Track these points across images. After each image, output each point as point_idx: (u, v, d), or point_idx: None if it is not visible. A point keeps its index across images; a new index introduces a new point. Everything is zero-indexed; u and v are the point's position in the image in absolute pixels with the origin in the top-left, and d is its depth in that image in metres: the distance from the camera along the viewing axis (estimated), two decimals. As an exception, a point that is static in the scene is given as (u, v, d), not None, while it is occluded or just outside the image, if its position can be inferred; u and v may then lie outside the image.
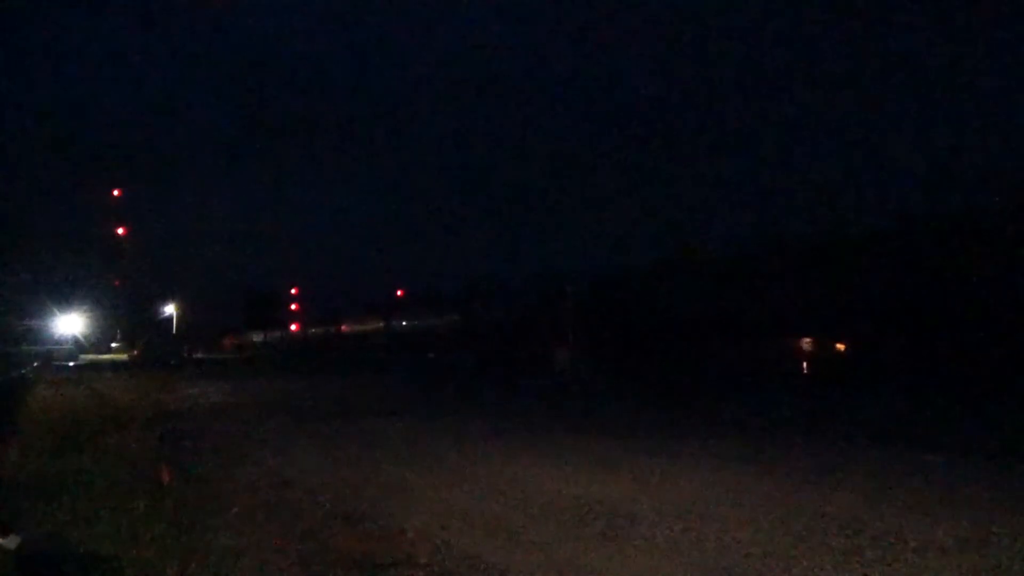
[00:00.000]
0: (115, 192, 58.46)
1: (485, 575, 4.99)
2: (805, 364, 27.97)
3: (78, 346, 51.53)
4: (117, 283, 63.29)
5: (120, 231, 59.51)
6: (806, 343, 31.86)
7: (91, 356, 51.39)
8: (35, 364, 26.59)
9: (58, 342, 48.85)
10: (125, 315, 67.17)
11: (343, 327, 65.51)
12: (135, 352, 49.32)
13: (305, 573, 5.02)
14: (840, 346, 30.28)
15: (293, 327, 76.86)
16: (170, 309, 65.89)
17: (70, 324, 52.21)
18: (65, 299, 48.99)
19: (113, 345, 66.61)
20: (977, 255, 22.63)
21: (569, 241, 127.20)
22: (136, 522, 5.91)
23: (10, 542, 4.49)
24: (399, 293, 69.01)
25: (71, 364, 39.65)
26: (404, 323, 53.62)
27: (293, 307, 78.62)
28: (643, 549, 5.50)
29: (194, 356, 56.17)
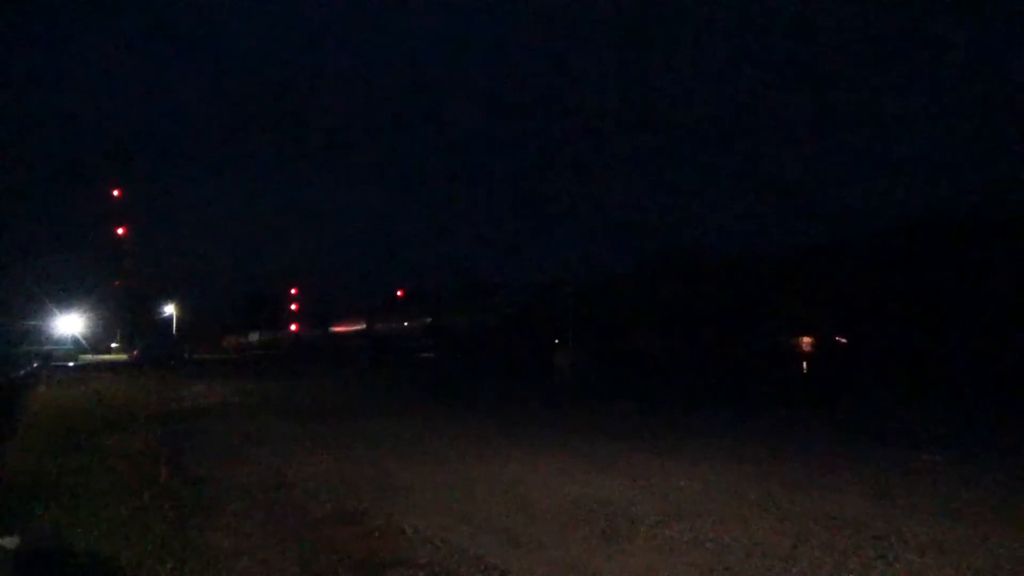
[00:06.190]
0: (115, 192, 58.48)
1: (485, 575, 4.99)
2: (805, 363, 28.01)
3: (78, 346, 51.51)
4: (117, 283, 63.39)
5: (120, 231, 59.61)
6: (806, 342, 31.92)
7: (91, 356, 51.36)
8: (35, 364, 26.58)
9: (58, 342, 48.84)
10: (125, 315, 67.19)
11: (342, 327, 65.51)
12: (135, 352, 49.28)
13: (305, 573, 5.02)
14: (842, 341, 30.31)
15: (293, 327, 76.89)
16: (170, 309, 65.86)
17: (70, 324, 52.22)
18: (65, 299, 49.04)
19: (113, 345, 66.53)
20: (977, 256, 22.68)
21: (568, 242, 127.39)
22: (135, 522, 5.91)
23: (10, 542, 4.48)
24: (399, 293, 69.05)
25: (71, 364, 39.63)
26: (398, 324, 53.61)
27: (293, 307, 78.57)
28: (643, 549, 5.50)
29: (194, 356, 56.11)
